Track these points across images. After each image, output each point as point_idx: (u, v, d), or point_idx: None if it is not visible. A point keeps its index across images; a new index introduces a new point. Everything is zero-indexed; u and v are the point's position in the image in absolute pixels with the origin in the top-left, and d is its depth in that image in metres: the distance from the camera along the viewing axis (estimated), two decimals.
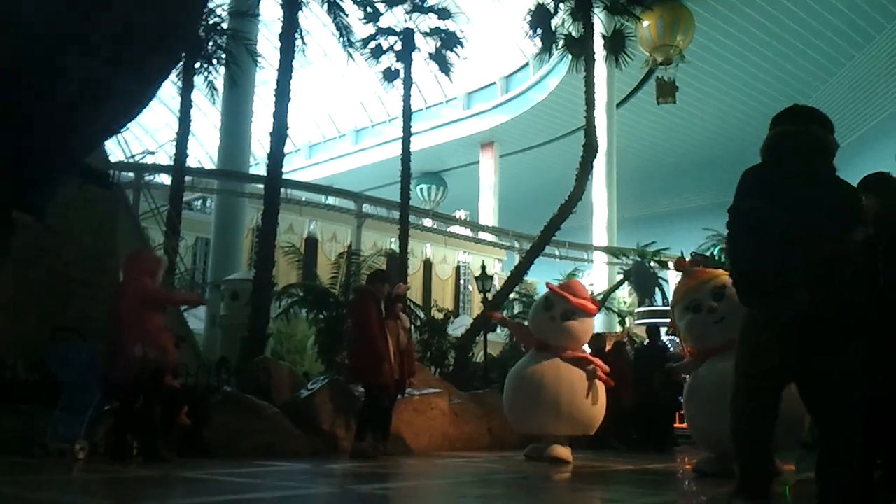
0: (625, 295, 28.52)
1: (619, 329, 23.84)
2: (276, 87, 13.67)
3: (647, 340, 12.22)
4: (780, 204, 3.34)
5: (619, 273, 27.67)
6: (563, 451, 7.38)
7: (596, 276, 29.88)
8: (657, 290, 24.81)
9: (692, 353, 6.71)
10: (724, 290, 6.16)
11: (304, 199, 27.84)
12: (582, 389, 7.49)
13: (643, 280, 24.56)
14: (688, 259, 7.35)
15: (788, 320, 3.25)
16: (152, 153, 24.95)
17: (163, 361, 6.14)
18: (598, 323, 22.92)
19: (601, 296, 24.39)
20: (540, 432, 7.75)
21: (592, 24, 16.80)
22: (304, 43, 14.57)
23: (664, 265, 24.84)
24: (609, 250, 29.35)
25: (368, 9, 17.14)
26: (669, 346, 12.00)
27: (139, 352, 6.00)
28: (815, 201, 3.36)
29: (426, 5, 18.39)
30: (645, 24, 23.72)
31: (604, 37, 17.72)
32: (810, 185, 3.43)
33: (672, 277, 25.92)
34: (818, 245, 3.23)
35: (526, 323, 8.72)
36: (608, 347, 10.92)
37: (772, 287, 3.32)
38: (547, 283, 8.52)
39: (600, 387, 7.72)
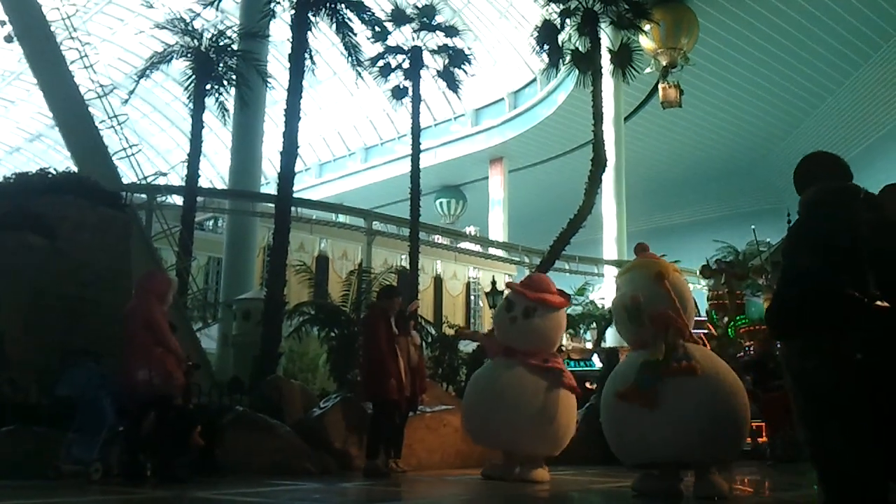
0: None
1: None
2: (286, 106, 13.76)
3: None
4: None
5: None
6: (541, 474, 6.84)
7: (607, 289, 29.78)
8: None
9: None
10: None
11: (314, 217, 27.90)
12: (547, 402, 6.78)
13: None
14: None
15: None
16: (164, 174, 25.11)
17: (166, 388, 6.13)
18: (610, 338, 22.90)
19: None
20: (498, 448, 7.22)
21: (599, 39, 16.88)
22: (313, 63, 14.66)
23: None
24: (619, 264, 29.24)
25: (377, 28, 17.26)
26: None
27: (144, 376, 6.02)
28: None
29: (434, 23, 18.52)
30: (647, 27, 23.58)
31: (610, 51, 17.80)
32: None
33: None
34: None
35: None
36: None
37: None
38: (507, 283, 7.82)
39: (568, 399, 6.99)
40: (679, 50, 25.97)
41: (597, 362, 17.31)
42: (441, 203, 41.85)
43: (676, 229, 40.89)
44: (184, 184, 18.08)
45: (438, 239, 31.56)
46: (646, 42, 24.53)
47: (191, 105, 17.66)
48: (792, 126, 34.67)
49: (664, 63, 26.06)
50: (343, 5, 14.87)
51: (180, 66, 18.16)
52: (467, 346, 16.87)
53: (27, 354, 7.49)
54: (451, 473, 8.12)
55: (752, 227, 13.66)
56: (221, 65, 17.66)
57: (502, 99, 38.63)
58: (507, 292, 7.50)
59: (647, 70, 20.49)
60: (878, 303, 3.31)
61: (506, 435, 6.82)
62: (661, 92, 27.40)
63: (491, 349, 7.56)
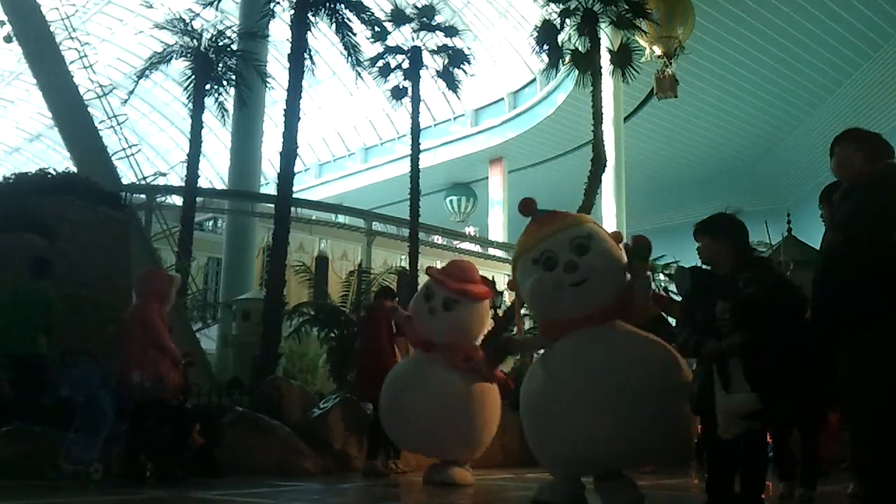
0: None
1: None
2: (285, 107, 13.76)
3: None
4: None
5: None
6: (463, 475, 6.54)
7: None
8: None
9: (543, 326, 5.01)
10: (588, 242, 4.70)
11: (314, 217, 27.91)
12: (469, 403, 6.38)
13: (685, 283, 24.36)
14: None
15: None
16: (164, 174, 25.15)
17: (159, 390, 6.11)
18: None
19: None
20: (418, 452, 6.97)
21: (599, 39, 16.88)
22: (312, 63, 14.67)
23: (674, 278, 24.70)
24: None
25: (376, 28, 17.26)
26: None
27: (136, 378, 6.02)
28: None
29: (433, 23, 18.51)
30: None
31: (610, 51, 17.81)
32: None
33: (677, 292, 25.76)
34: None
35: None
36: None
37: None
38: (427, 268, 7.20)
39: (490, 395, 6.54)
40: (674, 39, 25.64)
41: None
42: (451, 201, 41.68)
43: (677, 229, 40.78)
44: (183, 184, 18.09)
45: (438, 239, 31.55)
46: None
47: (190, 105, 17.65)
48: (793, 125, 34.67)
49: (659, 53, 25.72)
50: (342, 5, 14.87)
51: (180, 66, 18.17)
52: None
53: None
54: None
55: (765, 221, 13.57)
56: (221, 65, 17.65)
57: (502, 99, 38.63)
58: (426, 279, 6.93)
59: (643, 60, 20.12)
60: None
61: (424, 437, 6.48)
62: (655, 83, 27.05)
63: (412, 338, 6.96)
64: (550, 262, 4.66)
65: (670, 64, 25.93)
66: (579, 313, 4.60)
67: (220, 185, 36.25)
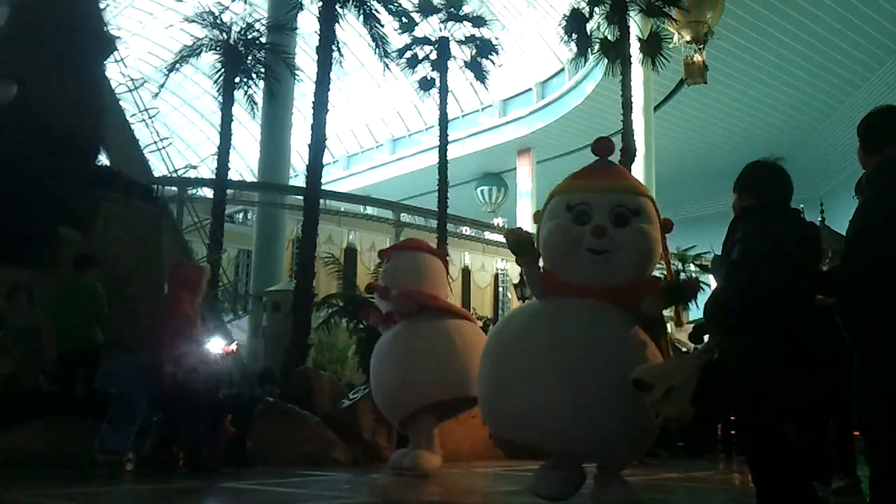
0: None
1: None
2: (313, 99, 13.81)
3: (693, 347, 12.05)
4: None
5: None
6: (430, 459, 6.38)
7: None
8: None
9: (546, 275, 4.45)
10: (631, 216, 4.24)
11: (342, 209, 28.05)
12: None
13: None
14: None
15: None
16: (194, 167, 25.37)
17: (191, 381, 6.16)
18: None
19: None
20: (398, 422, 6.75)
21: (628, 28, 16.72)
22: (340, 55, 14.69)
23: (705, 269, 24.45)
24: None
25: (404, 19, 17.25)
26: None
27: (170, 369, 6.08)
28: None
29: (461, 14, 18.47)
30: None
31: (640, 39, 17.62)
32: None
33: (714, 282, 25.50)
34: None
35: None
36: None
37: None
38: (379, 252, 7.77)
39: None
40: (703, 24, 25.18)
41: None
42: (482, 191, 41.57)
43: (707, 219, 40.43)
44: (214, 176, 18.23)
45: (466, 230, 31.54)
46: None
47: (220, 98, 17.77)
48: (826, 113, 34.10)
49: (688, 38, 25.27)
50: None
51: (209, 59, 18.27)
52: None
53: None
54: (480, 465, 8.12)
55: (801, 206, 13.34)
56: (250, 58, 17.74)
57: (530, 89, 38.41)
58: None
59: (671, 45, 19.71)
60: None
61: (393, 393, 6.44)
62: (684, 69, 26.60)
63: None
64: (582, 217, 4.21)
65: (700, 49, 25.53)
66: (583, 281, 4.18)
67: (249, 178, 36.52)
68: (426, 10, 18.30)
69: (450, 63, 18.58)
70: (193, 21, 18.68)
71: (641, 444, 4.42)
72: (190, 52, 18.56)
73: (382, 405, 6.74)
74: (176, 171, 21.17)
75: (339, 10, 14.47)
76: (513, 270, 28.90)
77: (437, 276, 6.88)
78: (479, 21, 18.79)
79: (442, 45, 18.38)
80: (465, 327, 6.62)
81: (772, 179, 3.61)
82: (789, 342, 3.27)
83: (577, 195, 4.34)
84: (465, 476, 7.02)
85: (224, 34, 17.75)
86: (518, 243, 4.41)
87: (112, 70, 19.47)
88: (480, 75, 18.98)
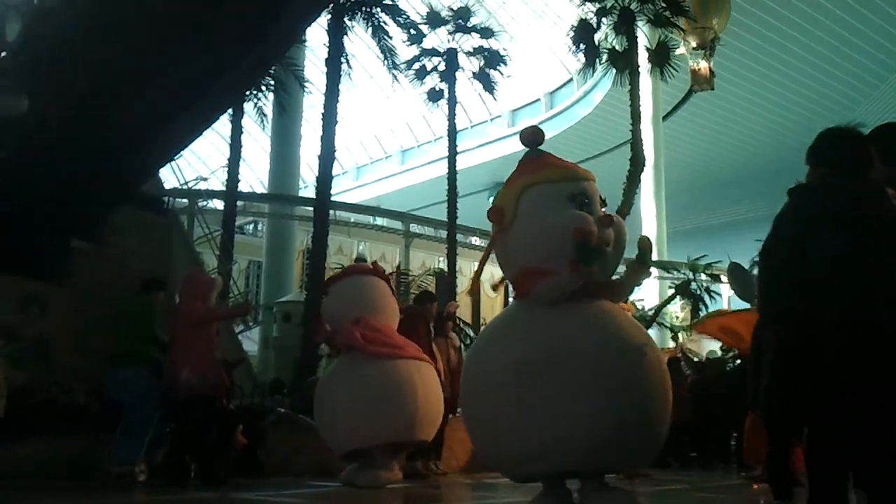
0: (676, 310, 28.06)
1: (671, 345, 23.44)
2: (323, 111, 13.89)
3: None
4: None
5: (669, 287, 27.27)
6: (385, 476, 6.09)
7: (646, 290, 29.47)
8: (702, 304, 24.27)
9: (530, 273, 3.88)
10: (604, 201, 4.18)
11: (352, 220, 28.12)
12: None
13: (741, 278, 24.07)
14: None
15: None
16: (205, 179, 25.40)
17: (205, 388, 6.18)
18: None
19: (652, 311, 24.04)
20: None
21: (636, 38, 16.78)
22: (349, 67, 14.79)
23: (716, 279, 24.38)
24: (659, 264, 28.93)
25: (412, 31, 17.34)
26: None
27: (184, 376, 6.10)
28: None
29: (469, 25, 18.55)
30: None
31: (648, 49, 17.66)
32: None
33: (725, 291, 25.43)
34: None
35: None
36: None
37: None
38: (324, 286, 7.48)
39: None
40: (709, 30, 25.18)
41: None
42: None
43: (717, 229, 40.38)
44: (224, 188, 18.32)
45: (476, 241, 31.54)
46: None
47: (230, 111, 17.87)
48: (836, 122, 33.90)
49: (694, 44, 25.26)
50: (378, 9, 14.97)
51: None
52: None
53: (74, 358, 7.63)
54: (491, 476, 8.09)
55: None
56: None
57: (539, 99, 38.53)
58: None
59: (677, 52, 19.69)
60: None
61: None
62: (691, 75, 26.57)
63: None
64: (586, 209, 3.90)
65: (707, 55, 25.56)
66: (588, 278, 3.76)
67: (260, 189, 36.67)
68: (434, 21, 18.39)
69: (458, 74, 18.66)
70: None
71: (647, 456, 4.04)
72: None
73: (324, 437, 6.54)
74: (186, 182, 21.26)
75: (348, 23, 14.56)
76: None
77: (379, 297, 6.59)
78: (487, 32, 18.88)
79: (450, 56, 18.45)
80: (408, 367, 6.32)
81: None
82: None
83: (577, 185, 4.06)
84: (476, 486, 7.00)
85: None
86: (593, 251, 3.78)
87: None
88: (489, 86, 19.05)
